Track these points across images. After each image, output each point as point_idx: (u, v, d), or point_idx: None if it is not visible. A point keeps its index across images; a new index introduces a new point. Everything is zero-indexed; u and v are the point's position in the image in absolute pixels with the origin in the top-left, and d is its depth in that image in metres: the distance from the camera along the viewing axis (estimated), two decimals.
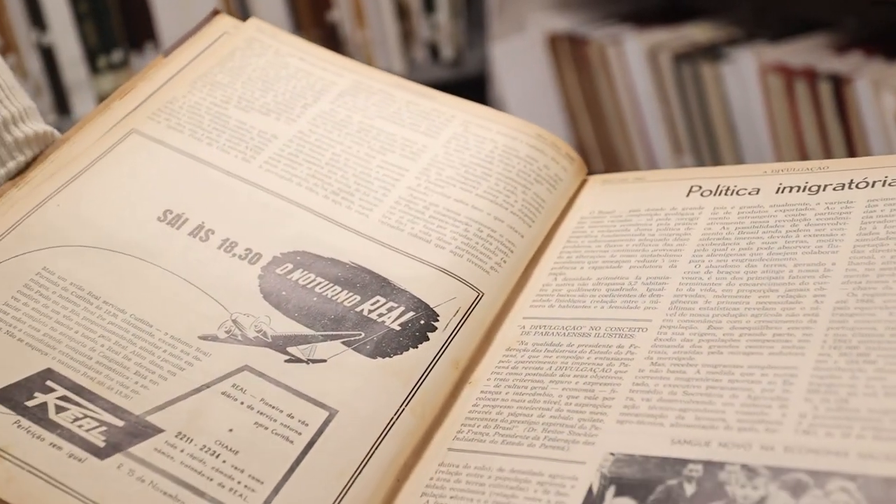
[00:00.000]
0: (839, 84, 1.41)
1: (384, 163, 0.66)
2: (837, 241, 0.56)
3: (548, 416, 0.53)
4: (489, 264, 0.62)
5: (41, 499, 0.47)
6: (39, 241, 0.58)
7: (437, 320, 0.58)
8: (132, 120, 0.66)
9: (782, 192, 0.61)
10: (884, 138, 1.38)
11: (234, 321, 0.56)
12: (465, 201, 0.65)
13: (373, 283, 0.60)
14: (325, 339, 0.56)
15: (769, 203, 0.60)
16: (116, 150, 0.64)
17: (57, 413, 0.51)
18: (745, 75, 1.52)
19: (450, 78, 1.84)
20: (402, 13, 1.85)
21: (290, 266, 0.60)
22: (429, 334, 0.58)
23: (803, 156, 1.49)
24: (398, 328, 0.58)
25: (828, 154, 1.45)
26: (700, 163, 1.63)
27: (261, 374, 0.54)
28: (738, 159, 1.58)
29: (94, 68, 1.72)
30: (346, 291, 0.59)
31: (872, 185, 0.58)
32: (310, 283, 0.59)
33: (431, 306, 0.59)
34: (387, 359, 0.56)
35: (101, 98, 1.54)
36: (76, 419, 0.50)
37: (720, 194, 0.63)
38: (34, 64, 1.69)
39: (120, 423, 0.51)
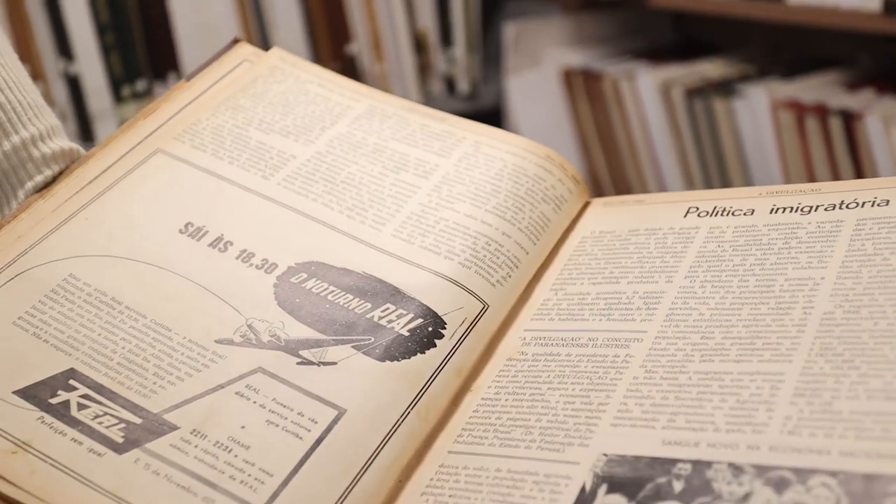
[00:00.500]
0: (850, 120, 1.40)
1: (397, 181, 0.68)
2: (827, 257, 0.57)
3: (545, 421, 0.54)
4: (495, 277, 0.64)
5: (62, 491, 0.49)
6: (67, 250, 0.60)
7: (445, 328, 0.60)
8: (157, 140, 0.68)
9: (776, 212, 0.63)
10: (894, 173, 1.37)
11: (250, 326, 0.58)
12: (474, 216, 0.66)
13: (384, 292, 0.61)
14: (337, 343, 0.58)
15: (763, 222, 0.62)
16: (142, 168, 0.66)
17: (79, 410, 0.53)
18: (756, 111, 1.52)
19: (465, 111, 1.84)
20: (420, 47, 1.88)
21: (305, 275, 0.62)
22: (436, 341, 0.59)
23: None
24: (407, 333, 0.59)
25: None
26: None
27: (273, 376, 0.56)
28: None
29: (118, 97, 1.75)
30: (357, 299, 0.61)
31: (862, 206, 0.60)
32: (323, 291, 0.61)
33: (440, 314, 0.61)
34: (395, 362, 0.58)
35: None
36: (97, 416, 0.53)
37: (716, 215, 0.64)
38: (61, 92, 1.72)
39: (138, 421, 0.53)
